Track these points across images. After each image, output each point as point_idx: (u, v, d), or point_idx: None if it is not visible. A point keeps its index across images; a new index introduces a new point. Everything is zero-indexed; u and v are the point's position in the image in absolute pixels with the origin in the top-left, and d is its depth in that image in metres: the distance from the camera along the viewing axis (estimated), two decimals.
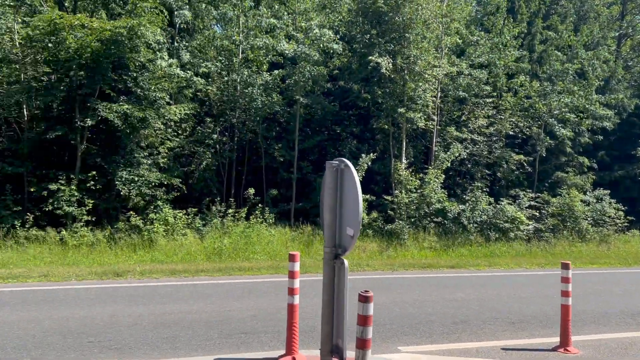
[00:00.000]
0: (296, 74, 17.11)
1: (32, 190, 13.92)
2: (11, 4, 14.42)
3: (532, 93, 20.98)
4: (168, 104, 15.79)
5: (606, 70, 23.44)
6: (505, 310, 8.39)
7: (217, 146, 17.66)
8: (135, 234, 13.92)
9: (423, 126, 18.15)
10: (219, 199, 16.28)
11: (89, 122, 13.78)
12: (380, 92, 17.60)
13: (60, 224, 13.73)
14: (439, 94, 19.18)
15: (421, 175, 17.75)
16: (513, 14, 23.41)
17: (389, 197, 17.19)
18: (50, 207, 13.41)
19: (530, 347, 6.49)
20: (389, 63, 16.71)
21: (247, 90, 17.11)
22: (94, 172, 14.18)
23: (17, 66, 14.15)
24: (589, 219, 18.98)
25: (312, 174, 18.24)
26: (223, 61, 17.89)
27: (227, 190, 17.60)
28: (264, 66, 18.32)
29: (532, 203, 19.03)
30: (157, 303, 8.14)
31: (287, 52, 17.60)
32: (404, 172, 17.38)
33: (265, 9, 18.67)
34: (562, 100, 20.48)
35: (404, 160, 17.98)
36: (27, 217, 13.37)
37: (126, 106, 14.04)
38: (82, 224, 13.66)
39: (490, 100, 20.85)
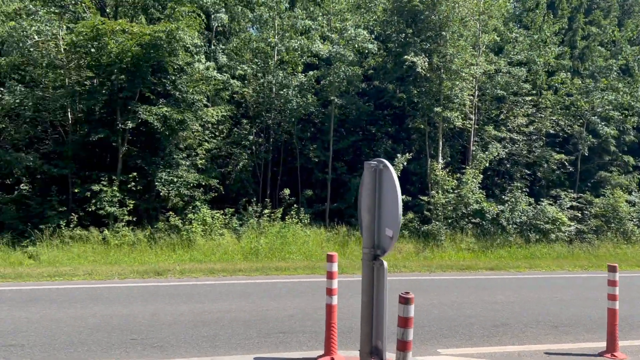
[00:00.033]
0: (331, 75, 17.12)
1: (76, 191, 14.37)
2: (56, 11, 14.93)
3: (574, 90, 20.38)
4: (205, 106, 16.05)
5: None
6: (548, 313, 8.17)
7: (253, 147, 17.85)
8: (174, 234, 14.20)
9: (460, 125, 17.88)
10: (255, 199, 16.45)
11: (130, 125, 14.13)
12: (415, 92, 17.42)
13: (102, 224, 14.12)
14: (477, 93, 18.85)
15: (458, 175, 17.48)
16: (553, 10, 22.79)
17: (425, 198, 17.00)
18: (93, 208, 13.80)
19: (574, 351, 6.30)
20: (424, 62, 16.53)
21: (282, 92, 17.23)
22: (135, 174, 14.53)
23: (62, 71, 14.63)
24: (634, 219, 18.31)
25: (346, 174, 18.20)
26: (259, 63, 18.07)
27: (262, 191, 17.77)
28: (299, 67, 18.42)
29: (574, 204, 18.51)
30: (197, 302, 8.28)
31: (322, 52, 17.65)
32: (441, 172, 17.14)
33: (300, 11, 18.75)
34: (605, 97, 19.79)
35: (440, 160, 17.75)
36: (71, 217, 13.80)
37: (165, 109, 14.34)
38: (123, 223, 14.01)
39: (530, 98, 20.34)
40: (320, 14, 19.63)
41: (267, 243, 14.20)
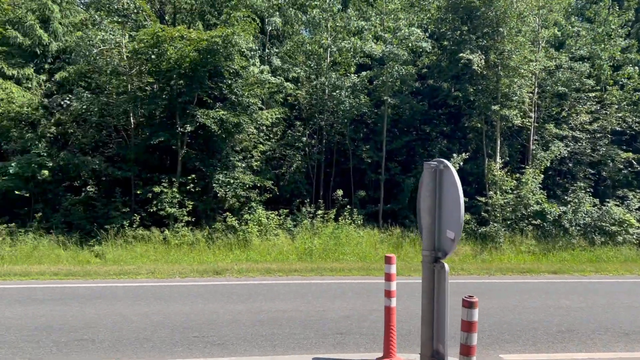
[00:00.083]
0: (384, 75, 16.98)
1: (138, 192, 14.98)
2: (119, 20, 15.63)
3: None
4: (260, 109, 16.31)
5: None
6: (617, 319, 7.76)
7: (306, 149, 17.98)
8: (231, 234, 14.52)
9: (519, 124, 17.30)
10: (308, 200, 16.56)
11: (189, 128, 14.56)
12: (472, 90, 16.99)
13: (163, 224, 14.65)
14: (536, 90, 18.17)
15: (517, 175, 16.91)
16: (619, 1, 21.65)
17: (482, 199, 16.55)
18: (155, 209, 14.33)
19: None
20: (481, 59, 16.12)
21: (335, 93, 17.26)
22: (194, 175, 14.96)
23: (125, 78, 15.29)
24: None
25: (400, 174, 17.97)
26: (311, 65, 18.19)
27: (316, 192, 17.85)
28: (352, 68, 18.39)
29: None
30: (254, 301, 8.42)
31: (374, 53, 17.55)
32: (499, 172, 16.64)
33: (352, 11, 18.71)
34: None
35: (498, 160, 17.23)
36: (134, 217, 14.37)
37: (222, 112, 14.69)
38: (182, 224, 14.46)
39: (594, 94, 19.41)
40: (373, 14, 19.52)
41: (321, 244, 14.27)
